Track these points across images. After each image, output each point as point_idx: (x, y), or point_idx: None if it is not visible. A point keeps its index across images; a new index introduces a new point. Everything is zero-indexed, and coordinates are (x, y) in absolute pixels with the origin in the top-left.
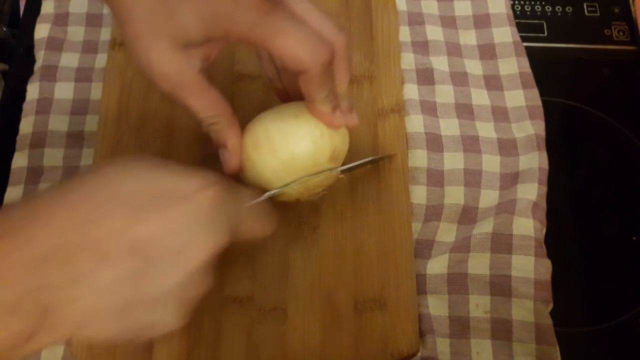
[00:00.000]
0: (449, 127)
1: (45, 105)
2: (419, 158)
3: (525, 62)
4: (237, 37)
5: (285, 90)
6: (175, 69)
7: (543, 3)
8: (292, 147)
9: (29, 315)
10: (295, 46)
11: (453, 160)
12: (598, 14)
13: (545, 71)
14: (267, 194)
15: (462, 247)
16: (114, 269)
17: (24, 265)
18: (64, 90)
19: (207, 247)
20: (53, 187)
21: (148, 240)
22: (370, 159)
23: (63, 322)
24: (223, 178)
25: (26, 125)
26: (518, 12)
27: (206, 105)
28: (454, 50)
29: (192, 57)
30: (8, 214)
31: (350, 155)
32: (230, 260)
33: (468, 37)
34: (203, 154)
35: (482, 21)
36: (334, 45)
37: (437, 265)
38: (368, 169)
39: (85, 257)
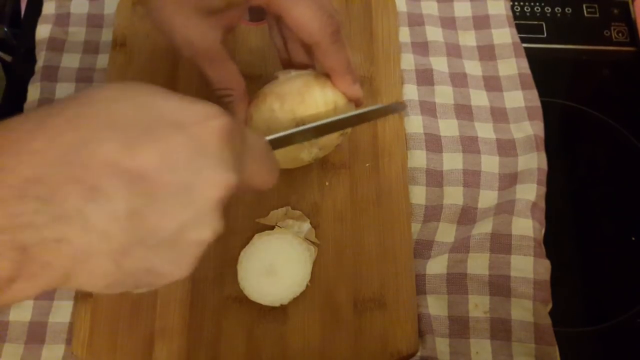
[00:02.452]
0: (448, 127)
1: None
2: (418, 158)
3: (525, 63)
4: (257, 2)
5: (289, 60)
6: (198, 35)
7: (542, 4)
8: (304, 106)
9: (4, 257)
10: (309, 18)
11: (452, 161)
12: (597, 15)
13: (545, 72)
14: (277, 135)
15: (461, 247)
16: (107, 205)
17: None
18: (65, 91)
19: (215, 185)
20: (29, 112)
21: (146, 173)
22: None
23: (48, 267)
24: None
25: None
26: (517, 13)
27: (223, 76)
28: (453, 51)
29: (215, 26)
30: None
31: (350, 155)
32: (230, 259)
33: (468, 38)
34: None
35: (481, 22)
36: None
37: (436, 266)
38: (368, 169)
39: (72, 191)
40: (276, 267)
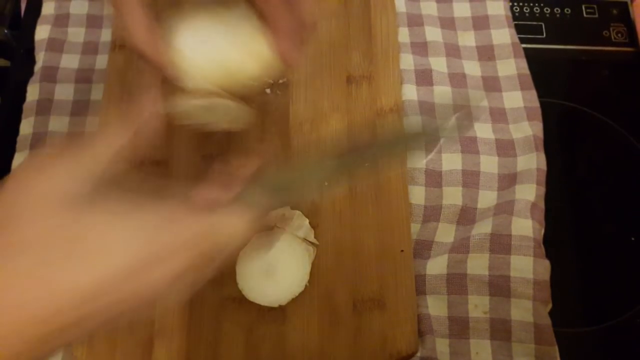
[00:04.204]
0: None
1: (45, 106)
2: (417, 159)
3: (524, 64)
4: None
5: None
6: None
7: (542, 5)
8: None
9: None
10: None
11: (451, 161)
12: (596, 15)
13: (544, 72)
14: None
15: (461, 247)
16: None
17: None
18: (64, 91)
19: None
20: None
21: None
22: None
23: None
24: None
25: (26, 126)
26: (517, 14)
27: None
28: (452, 51)
29: None
30: None
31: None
32: (229, 259)
33: (467, 39)
34: (203, 153)
35: (481, 23)
36: None
37: (436, 266)
38: (368, 169)
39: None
40: (275, 268)
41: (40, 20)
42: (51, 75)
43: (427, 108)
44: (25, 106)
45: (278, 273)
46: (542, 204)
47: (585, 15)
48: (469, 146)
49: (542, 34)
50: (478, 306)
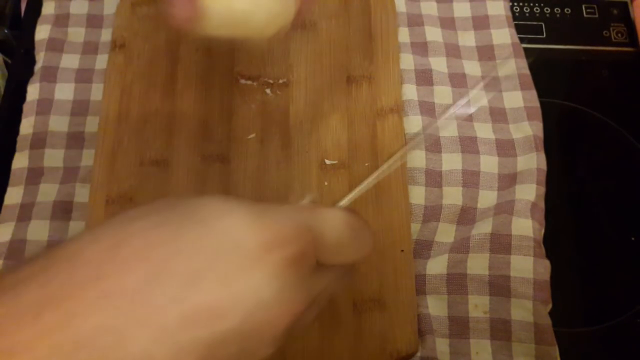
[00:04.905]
0: (447, 128)
1: (45, 106)
2: (417, 158)
3: (524, 64)
4: None
5: None
6: None
7: (542, 5)
8: None
9: None
10: None
11: (451, 161)
12: (596, 15)
13: (544, 72)
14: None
15: (461, 247)
16: (173, 344)
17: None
18: (64, 91)
19: (282, 317)
20: (75, 239)
21: (211, 310)
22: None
23: None
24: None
25: (26, 126)
26: (517, 14)
27: None
28: (452, 51)
29: None
30: (15, 290)
31: (349, 155)
32: None
33: (467, 39)
34: (203, 153)
35: (481, 22)
36: None
37: (436, 266)
38: (367, 169)
39: (138, 335)
40: None
41: (40, 20)
42: (51, 75)
43: (427, 108)
44: (25, 106)
45: None
46: (542, 204)
47: (585, 15)
48: (469, 146)
49: (542, 34)
50: (478, 306)
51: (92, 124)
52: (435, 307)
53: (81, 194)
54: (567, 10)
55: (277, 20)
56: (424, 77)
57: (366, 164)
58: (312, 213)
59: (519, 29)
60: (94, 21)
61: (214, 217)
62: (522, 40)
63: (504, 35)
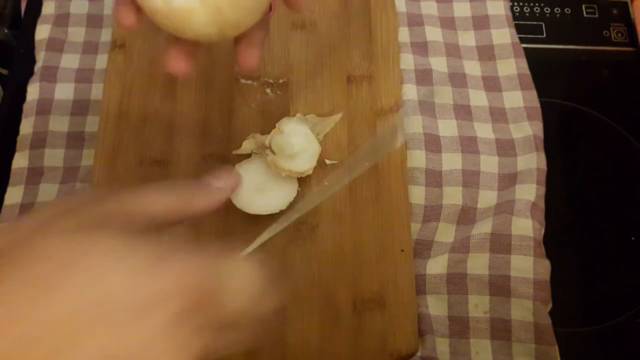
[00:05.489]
0: (447, 127)
1: (45, 106)
2: (417, 158)
3: (524, 64)
4: None
5: None
6: None
7: (542, 5)
8: None
9: None
10: None
11: (451, 161)
12: (597, 15)
13: (544, 72)
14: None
15: (461, 247)
16: None
17: None
18: (64, 91)
19: None
20: None
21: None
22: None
23: None
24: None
25: (26, 126)
26: (517, 14)
27: None
28: (453, 51)
29: None
30: None
31: (349, 155)
32: None
33: (467, 38)
34: (203, 153)
35: (481, 22)
36: None
37: (436, 266)
38: (367, 169)
39: None
40: (265, 185)
41: (40, 20)
42: (51, 75)
43: (427, 108)
44: (25, 106)
45: (268, 189)
46: (542, 204)
47: (585, 15)
48: (469, 146)
49: (542, 34)
50: (478, 306)
51: (92, 124)
52: (435, 307)
53: None
54: (567, 10)
55: (246, 19)
56: (424, 77)
57: (366, 164)
58: (217, 262)
59: (519, 29)
60: (94, 21)
61: (100, 265)
62: (522, 40)
63: (504, 35)
